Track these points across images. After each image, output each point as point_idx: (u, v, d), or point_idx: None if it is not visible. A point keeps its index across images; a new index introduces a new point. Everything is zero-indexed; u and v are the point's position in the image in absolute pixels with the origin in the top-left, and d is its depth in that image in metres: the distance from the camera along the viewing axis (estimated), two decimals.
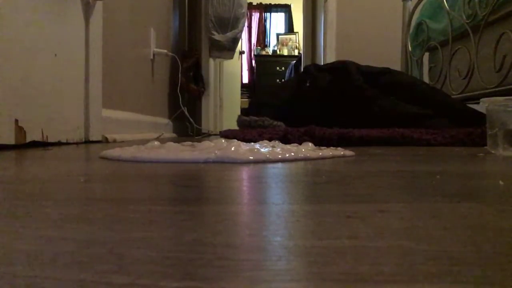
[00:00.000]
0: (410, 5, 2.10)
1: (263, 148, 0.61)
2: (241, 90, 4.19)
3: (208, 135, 2.32)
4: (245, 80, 5.47)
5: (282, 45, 5.68)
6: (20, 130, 0.87)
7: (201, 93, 2.54)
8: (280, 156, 0.56)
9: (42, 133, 0.96)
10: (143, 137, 1.67)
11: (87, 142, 1.23)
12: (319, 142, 0.85)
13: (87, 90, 1.24)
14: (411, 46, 2.09)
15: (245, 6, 2.62)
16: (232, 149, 0.58)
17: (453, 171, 0.47)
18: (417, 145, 0.93)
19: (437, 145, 0.92)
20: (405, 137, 0.95)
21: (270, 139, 0.84)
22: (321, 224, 0.20)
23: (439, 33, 1.87)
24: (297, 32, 5.53)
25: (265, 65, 5.36)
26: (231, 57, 2.77)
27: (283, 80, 4.69)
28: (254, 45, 5.74)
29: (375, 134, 0.97)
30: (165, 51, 2.10)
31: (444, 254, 0.16)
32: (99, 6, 1.27)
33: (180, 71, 2.22)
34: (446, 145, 0.92)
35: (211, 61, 2.69)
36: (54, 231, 0.19)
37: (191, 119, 2.27)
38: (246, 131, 1.25)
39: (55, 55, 1.03)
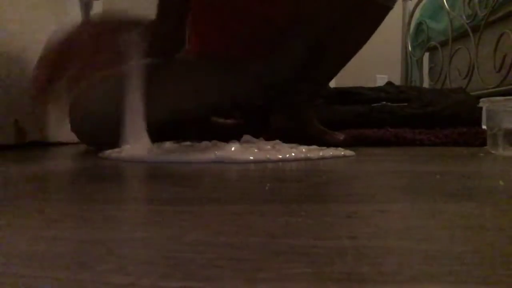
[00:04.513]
0: (410, 5, 2.10)
1: (263, 148, 0.61)
2: None
3: None
4: None
5: None
6: (20, 130, 0.87)
7: None
8: (280, 156, 0.56)
9: (42, 133, 0.96)
10: None
11: None
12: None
13: None
14: (411, 46, 2.09)
15: None
16: (232, 149, 0.58)
17: (453, 171, 0.47)
18: (410, 145, 0.92)
19: (430, 145, 0.91)
20: (398, 137, 0.94)
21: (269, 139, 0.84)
22: (321, 224, 0.20)
23: (439, 33, 1.88)
24: None
25: None
26: None
27: None
28: None
29: (367, 134, 0.96)
30: None
31: (444, 254, 0.16)
32: (98, 6, 1.27)
33: None
34: (439, 145, 0.92)
35: None
36: (54, 231, 0.19)
37: None
38: None
39: None
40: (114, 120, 0.68)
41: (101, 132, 0.73)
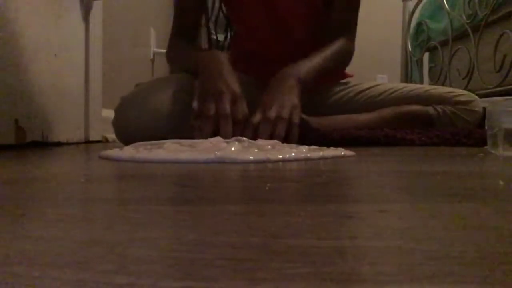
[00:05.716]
0: (410, 5, 2.10)
1: (263, 148, 0.61)
2: None
3: None
4: None
5: None
6: (20, 130, 0.87)
7: None
8: (280, 156, 0.56)
9: (42, 133, 0.96)
10: None
11: (87, 142, 1.23)
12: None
13: (87, 90, 1.24)
14: (411, 46, 2.09)
15: None
16: (232, 149, 0.58)
17: (453, 171, 0.47)
18: (401, 145, 0.91)
19: (422, 145, 0.90)
20: (388, 137, 0.93)
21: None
22: (321, 224, 0.20)
23: (439, 33, 1.88)
24: None
25: None
26: None
27: None
28: None
29: (356, 133, 0.95)
30: (165, 51, 2.09)
31: (444, 254, 0.16)
32: (98, 6, 1.27)
33: None
34: (429, 145, 0.91)
35: None
36: (54, 231, 0.19)
37: None
38: None
39: (55, 55, 1.03)
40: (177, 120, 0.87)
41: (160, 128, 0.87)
